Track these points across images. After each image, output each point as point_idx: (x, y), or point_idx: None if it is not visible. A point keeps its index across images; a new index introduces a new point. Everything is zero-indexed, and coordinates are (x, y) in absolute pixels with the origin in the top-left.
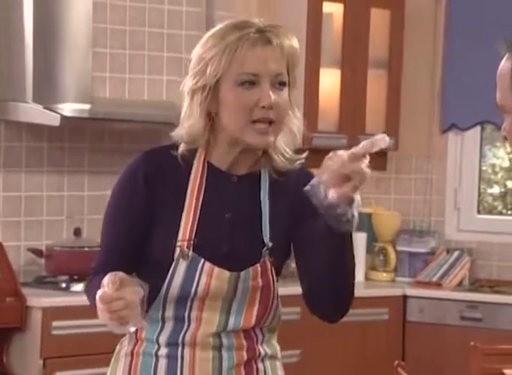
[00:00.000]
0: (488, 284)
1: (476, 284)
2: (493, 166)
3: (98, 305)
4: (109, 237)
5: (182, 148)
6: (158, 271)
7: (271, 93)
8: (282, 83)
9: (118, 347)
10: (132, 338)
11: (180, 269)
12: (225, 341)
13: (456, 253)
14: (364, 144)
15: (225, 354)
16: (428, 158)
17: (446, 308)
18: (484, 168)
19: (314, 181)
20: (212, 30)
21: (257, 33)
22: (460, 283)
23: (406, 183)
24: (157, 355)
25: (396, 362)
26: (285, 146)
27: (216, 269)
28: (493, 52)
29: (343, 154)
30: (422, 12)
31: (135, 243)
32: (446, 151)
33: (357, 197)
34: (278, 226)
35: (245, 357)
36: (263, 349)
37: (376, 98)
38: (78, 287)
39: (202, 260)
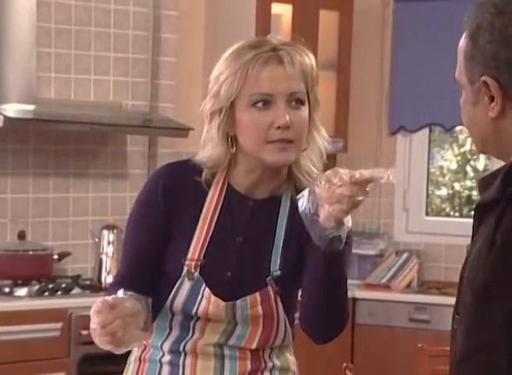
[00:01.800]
0: (436, 286)
1: (424, 286)
2: (441, 168)
3: (95, 328)
4: (130, 247)
5: (205, 172)
6: (167, 283)
7: (286, 113)
8: (299, 102)
9: (131, 351)
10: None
11: (184, 288)
12: (227, 351)
13: (404, 255)
14: (372, 172)
15: (227, 363)
16: (376, 160)
17: (395, 310)
18: (432, 170)
19: (306, 191)
20: (229, 50)
21: (270, 51)
22: (408, 286)
23: None
24: (161, 362)
25: (345, 364)
26: (310, 165)
27: (213, 298)
28: (441, 55)
29: (346, 174)
30: (370, 14)
31: (154, 255)
32: (395, 153)
33: (347, 220)
34: (290, 255)
35: (249, 368)
36: (271, 361)
37: (325, 99)
38: (22, 291)
39: (203, 285)
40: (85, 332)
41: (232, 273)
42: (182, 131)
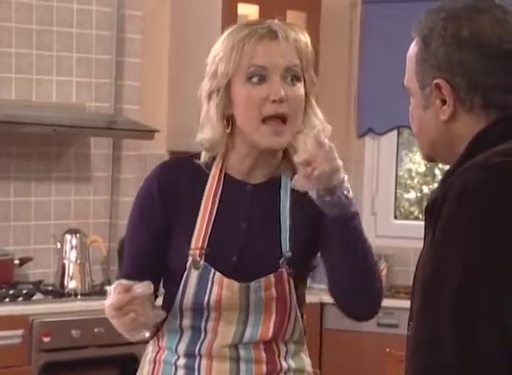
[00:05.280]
0: (404, 291)
1: (393, 290)
2: (410, 170)
3: (110, 313)
4: (131, 250)
5: (203, 156)
6: (174, 278)
7: (281, 87)
8: (295, 78)
9: (145, 352)
10: (155, 345)
11: (192, 278)
12: (242, 352)
13: None
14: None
15: (243, 366)
16: (345, 163)
17: None
18: (400, 173)
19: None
20: (223, 35)
21: (265, 28)
22: None
23: None
24: (176, 365)
25: (312, 369)
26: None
27: (226, 280)
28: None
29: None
30: (338, 15)
31: (156, 255)
32: (363, 155)
33: (338, 179)
34: (299, 236)
35: (264, 370)
36: (286, 363)
37: None
38: None
39: (213, 270)
40: (47, 339)
41: (238, 257)
42: (147, 133)
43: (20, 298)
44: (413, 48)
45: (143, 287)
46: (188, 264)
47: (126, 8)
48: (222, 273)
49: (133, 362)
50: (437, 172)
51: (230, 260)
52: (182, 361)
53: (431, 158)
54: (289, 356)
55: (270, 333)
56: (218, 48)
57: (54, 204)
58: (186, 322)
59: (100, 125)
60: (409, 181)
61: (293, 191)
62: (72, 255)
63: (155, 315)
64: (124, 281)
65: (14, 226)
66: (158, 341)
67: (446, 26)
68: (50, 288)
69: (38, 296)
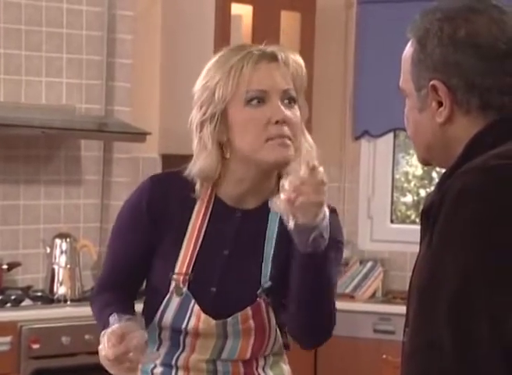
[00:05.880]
0: (400, 296)
1: (389, 296)
2: (406, 174)
3: (105, 363)
4: (112, 258)
5: (197, 184)
6: (156, 296)
7: (282, 108)
8: (292, 100)
9: None
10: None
11: (173, 304)
12: (220, 368)
13: (369, 264)
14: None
15: None
16: (340, 166)
17: (359, 320)
18: (397, 176)
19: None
20: (211, 60)
21: (259, 51)
22: (373, 295)
23: None
24: (153, 373)
25: None
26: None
27: (203, 316)
28: None
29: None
30: (333, 16)
31: (136, 267)
32: (359, 158)
33: (319, 216)
34: (282, 263)
35: None
36: (265, 373)
37: None
38: None
39: (193, 301)
40: (36, 346)
41: (217, 288)
42: (138, 136)
43: (8, 304)
44: (408, 49)
45: (138, 338)
46: (171, 288)
47: (117, 8)
48: (201, 306)
49: None
50: (434, 175)
51: (210, 292)
52: (159, 369)
53: (427, 162)
54: (268, 367)
55: (248, 354)
56: (210, 74)
57: (43, 208)
58: (165, 334)
59: (90, 127)
60: (406, 184)
61: (281, 220)
62: (62, 259)
63: (150, 358)
64: (116, 329)
65: (2, 230)
66: None
67: (443, 26)
68: (39, 294)
69: (27, 302)
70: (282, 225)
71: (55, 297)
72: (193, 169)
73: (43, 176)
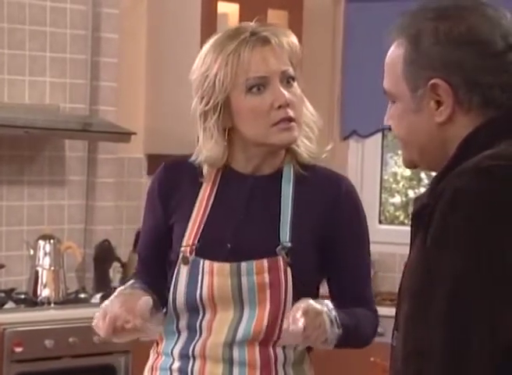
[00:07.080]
0: (389, 297)
1: (378, 297)
2: (395, 174)
3: (100, 324)
4: (140, 247)
5: (204, 169)
6: (169, 277)
7: (283, 91)
8: (291, 79)
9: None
10: (154, 352)
11: (182, 275)
12: (236, 353)
13: None
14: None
15: (235, 370)
16: (328, 166)
17: None
18: (385, 177)
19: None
20: (207, 45)
21: (252, 36)
22: None
23: None
24: (171, 370)
25: None
26: (305, 140)
27: (216, 265)
28: None
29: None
30: (321, 14)
31: (161, 252)
32: (347, 158)
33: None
34: (301, 231)
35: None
36: (284, 371)
37: None
38: None
39: (202, 260)
40: (19, 349)
41: (233, 243)
42: (123, 136)
43: None
44: (395, 51)
45: (141, 301)
46: (178, 261)
47: (101, 6)
48: (214, 260)
49: (109, 372)
50: (423, 176)
51: (225, 247)
52: (176, 364)
53: (414, 165)
54: (289, 365)
55: (264, 327)
56: (208, 62)
57: (26, 209)
58: (183, 323)
59: (75, 127)
60: (394, 185)
61: (298, 186)
62: (46, 261)
63: (152, 325)
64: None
65: None
66: (157, 347)
67: (437, 25)
68: (22, 296)
69: (10, 304)
70: (296, 187)
71: (39, 299)
72: (200, 156)
73: (26, 176)
